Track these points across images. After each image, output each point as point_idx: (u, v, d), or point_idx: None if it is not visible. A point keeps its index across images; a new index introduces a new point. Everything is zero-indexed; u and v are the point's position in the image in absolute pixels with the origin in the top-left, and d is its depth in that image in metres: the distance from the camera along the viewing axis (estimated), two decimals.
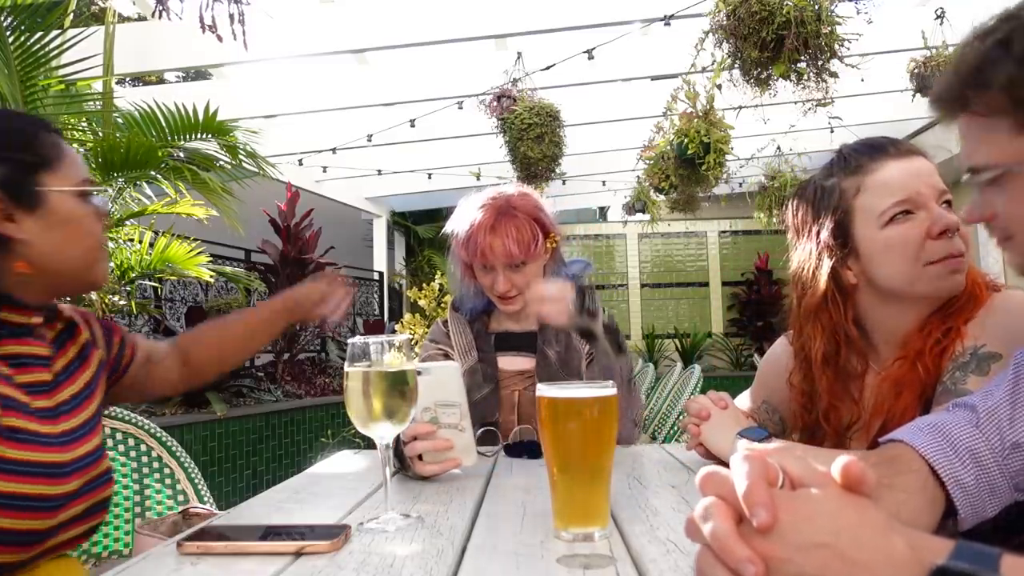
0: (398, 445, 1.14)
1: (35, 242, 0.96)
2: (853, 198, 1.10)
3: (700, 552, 0.50)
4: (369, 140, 5.18)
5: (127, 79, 7.43)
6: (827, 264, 1.12)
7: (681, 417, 1.27)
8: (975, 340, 1.00)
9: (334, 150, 5.48)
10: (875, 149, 1.11)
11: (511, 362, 1.62)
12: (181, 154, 3.77)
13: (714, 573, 0.48)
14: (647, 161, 4.79)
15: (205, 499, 1.65)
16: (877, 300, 1.13)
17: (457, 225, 1.56)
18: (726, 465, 0.52)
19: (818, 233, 1.14)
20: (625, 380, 1.49)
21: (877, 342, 1.17)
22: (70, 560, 1.06)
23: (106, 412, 1.46)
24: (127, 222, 3.85)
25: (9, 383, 0.95)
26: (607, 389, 0.82)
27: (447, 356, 1.62)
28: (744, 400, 1.42)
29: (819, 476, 0.50)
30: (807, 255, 1.17)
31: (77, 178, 1.02)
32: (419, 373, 1.07)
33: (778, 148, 5.92)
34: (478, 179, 5.44)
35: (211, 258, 4.61)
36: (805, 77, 2.72)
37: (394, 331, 5.84)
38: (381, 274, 8.31)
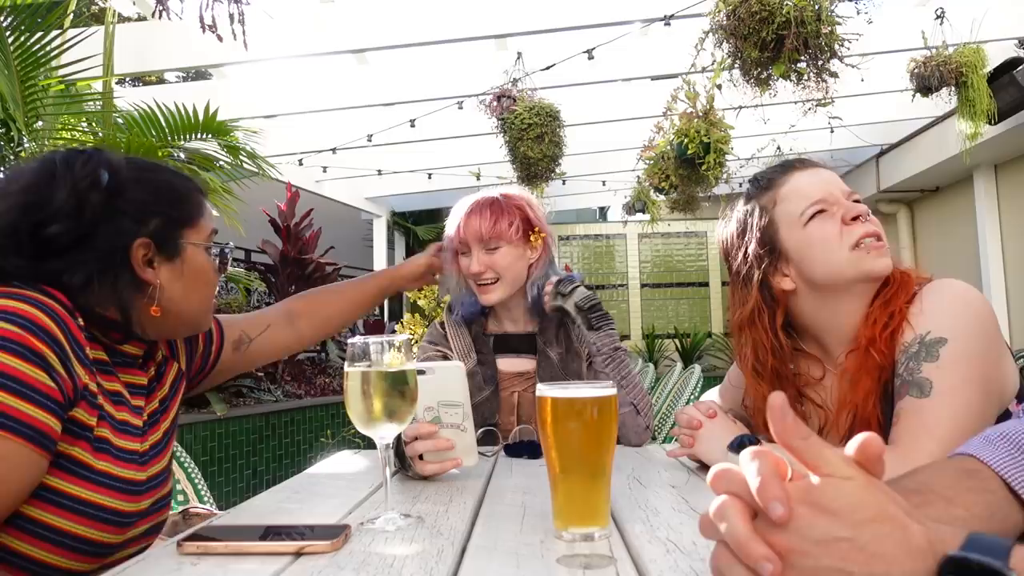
0: (399, 445, 1.14)
1: (167, 288, 1.06)
2: (772, 209, 1.20)
3: (717, 550, 0.50)
4: (369, 140, 5.17)
5: (127, 79, 7.44)
6: (756, 275, 1.20)
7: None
8: (919, 329, 1.06)
9: (334, 150, 5.47)
10: (783, 167, 1.24)
11: (510, 364, 1.62)
12: (181, 154, 3.77)
13: (732, 571, 0.49)
14: (647, 161, 4.78)
15: (205, 499, 1.65)
16: (818, 301, 1.18)
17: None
18: None
19: (746, 249, 1.22)
20: (609, 356, 1.51)
21: (829, 344, 1.20)
22: None
23: None
24: None
25: (128, 408, 1.04)
26: (607, 389, 0.82)
27: (446, 358, 1.62)
28: (715, 395, 1.46)
29: (835, 462, 0.50)
30: (737, 274, 1.24)
31: (208, 232, 1.12)
32: (424, 372, 1.08)
33: (778, 148, 5.91)
34: (478, 179, 5.43)
35: None
36: (805, 77, 2.72)
37: (394, 331, 5.85)
38: None
